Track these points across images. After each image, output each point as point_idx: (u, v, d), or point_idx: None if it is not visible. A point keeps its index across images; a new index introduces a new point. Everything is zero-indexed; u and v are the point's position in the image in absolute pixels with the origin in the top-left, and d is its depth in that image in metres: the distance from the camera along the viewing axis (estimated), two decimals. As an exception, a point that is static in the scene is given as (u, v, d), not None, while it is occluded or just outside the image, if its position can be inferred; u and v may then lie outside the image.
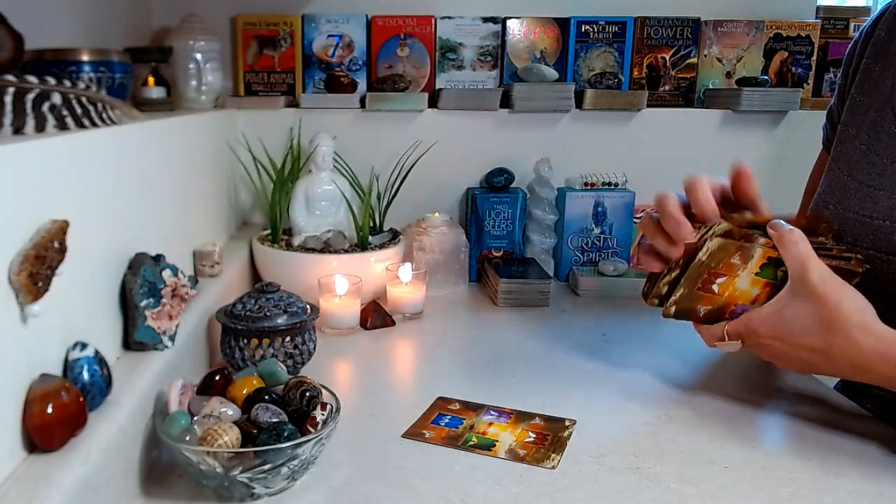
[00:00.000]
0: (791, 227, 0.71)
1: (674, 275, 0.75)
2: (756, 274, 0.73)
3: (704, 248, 0.72)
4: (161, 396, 0.67)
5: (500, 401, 0.84)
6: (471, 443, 0.74)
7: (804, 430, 0.78)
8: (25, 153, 0.53)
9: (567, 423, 0.79)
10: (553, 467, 0.70)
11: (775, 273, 0.72)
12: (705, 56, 1.44)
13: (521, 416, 0.80)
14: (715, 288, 0.74)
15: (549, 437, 0.76)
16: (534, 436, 0.76)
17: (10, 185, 0.50)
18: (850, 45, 0.88)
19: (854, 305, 0.67)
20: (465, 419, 0.79)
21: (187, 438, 0.62)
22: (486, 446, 0.74)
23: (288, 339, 0.88)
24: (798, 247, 0.69)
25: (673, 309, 0.77)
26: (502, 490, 0.66)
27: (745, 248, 0.72)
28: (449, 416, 0.80)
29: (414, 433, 0.76)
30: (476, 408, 0.82)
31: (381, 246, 1.20)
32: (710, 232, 0.71)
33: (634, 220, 1.37)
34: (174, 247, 0.89)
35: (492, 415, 0.80)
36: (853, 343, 0.67)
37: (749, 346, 0.74)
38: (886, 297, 0.75)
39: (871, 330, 0.67)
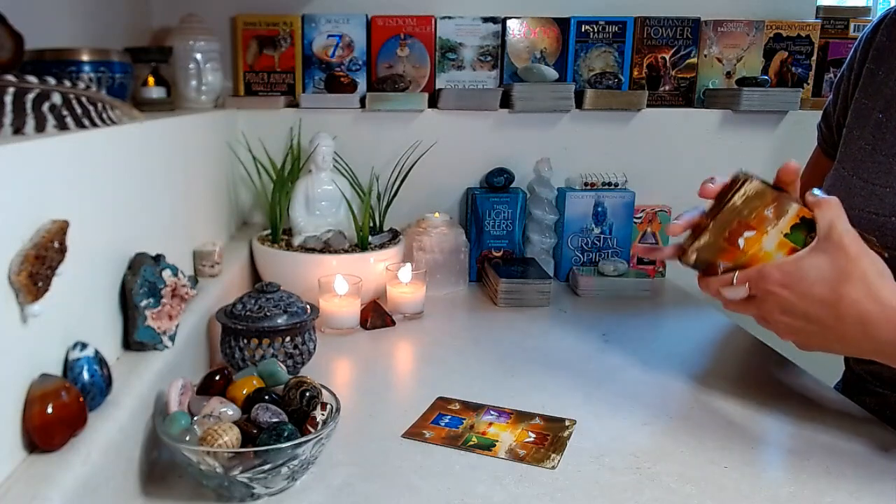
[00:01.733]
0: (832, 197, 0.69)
1: (704, 226, 0.72)
2: (785, 235, 0.69)
3: (742, 191, 0.69)
4: (161, 396, 0.67)
5: (500, 401, 0.84)
6: (471, 443, 0.74)
7: (804, 430, 0.78)
8: (25, 153, 0.53)
9: (567, 423, 0.79)
10: (553, 467, 0.70)
11: (805, 238, 0.69)
12: (705, 56, 1.44)
13: (520, 417, 0.80)
14: (741, 242, 0.70)
15: (550, 437, 0.76)
16: (534, 436, 0.76)
17: (10, 185, 0.50)
18: (850, 51, 0.89)
19: (873, 263, 0.65)
20: (465, 419, 0.79)
21: (187, 438, 0.62)
22: (487, 446, 0.74)
23: (288, 339, 0.88)
24: (832, 209, 0.67)
25: (693, 256, 0.74)
26: (502, 490, 0.66)
27: (781, 200, 0.69)
28: (449, 416, 0.80)
29: (414, 433, 0.76)
30: (476, 408, 0.82)
31: (381, 246, 1.20)
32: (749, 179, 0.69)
33: (634, 219, 1.37)
34: (174, 247, 0.89)
35: (492, 415, 0.80)
36: (868, 293, 0.64)
37: (755, 292, 0.70)
38: None
39: (887, 285, 0.64)
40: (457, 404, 0.83)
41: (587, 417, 0.80)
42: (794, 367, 0.95)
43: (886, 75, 0.82)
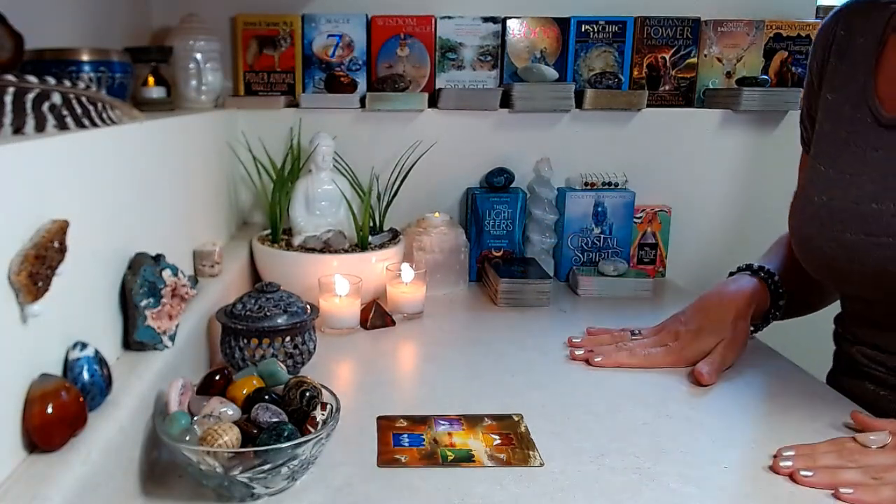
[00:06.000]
0: None
1: None
2: None
3: None
4: (161, 396, 0.67)
5: (504, 400, 0.84)
6: (449, 458, 0.71)
7: (805, 430, 0.78)
8: (25, 153, 0.53)
9: (515, 419, 0.79)
10: (541, 464, 0.70)
11: None
12: (705, 56, 1.44)
13: (471, 421, 0.79)
14: None
15: (513, 436, 0.75)
16: (497, 438, 0.75)
17: (10, 185, 0.50)
18: (811, 47, 0.91)
19: None
20: (422, 434, 0.76)
21: (187, 438, 0.62)
22: (466, 458, 0.71)
23: (288, 339, 0.88)
24: None
25: None
26: (502, 490, 0.66)
27: None
28: (405, 435, 0.76)
29: (389, 461, 0.71)
30: (423, 420, 0.79)
31: (381, 246, 1.20)
32: None
33: (634, 219, 1.37)
34: (174, 247, 0.89)
35: (443, 424, 0.78)
36: None
37: None
38: (886, 283, 0.77)
39: None
40: (403, 421, 0.79)
41: (587, 417, 0.80)
42: (795, 367, 0.95)
43: (851, 70, 0.84)
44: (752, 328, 0.98)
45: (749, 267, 0.98)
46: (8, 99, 0.56)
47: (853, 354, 0.89)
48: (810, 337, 1.05)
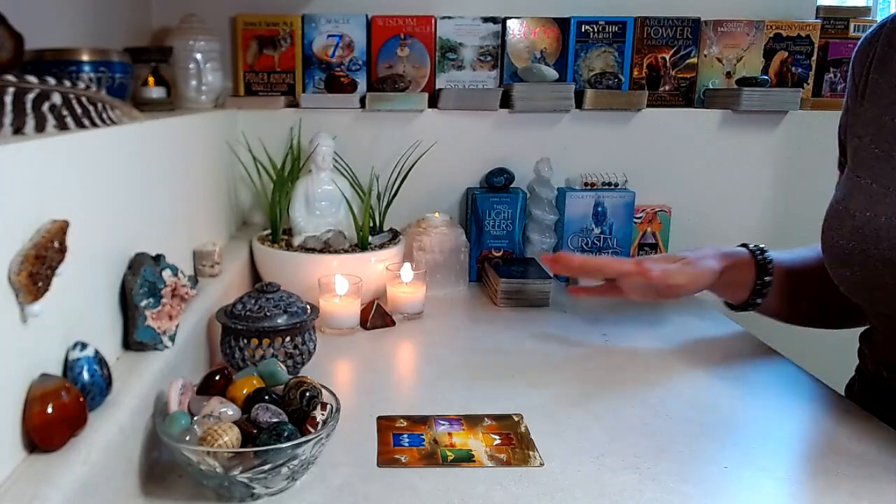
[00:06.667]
0: None
1: None
2: None
3: None
4: (161, 396, 0.67)
5: (504, 400, 0.84)
6: (449, 458, 0.71)
7: (804, 430, 0.78)
8: (25, 153, 0.53)
9: (516, 419, 0.79)
10: (541, 464, 0.70)
11: None
12: (705, 56, 1.44)
13: (471, 421, 0.79)
14: None
15: (513, 436, 0.75)
16: (498, 438, 0.75)
17: (10, 185, 0.50)
18: (850, 66, 0.88)
19: None
20: (422, 434, 0.76)
21: (187, 438, 0.62)
22: (466, 458, 0.71)
23: (288, 339, 0.88)
24: None
25: None
26: (502, 490, 0.66)
27: None
28: (405, 435, 0.76)
29: (388, 461, 0.71)
30: (423, 420, 0.79)
31: (381, 246, 1.20)
32: None
33: (634, 219, 1.37)
34: (174, 247, 0.89)
35: (443, 424, 0.78)
36: None
37: None
38: None
39: None
40: (402, 421, 0.79)
41: (587, 417, 0.80)
42: (794, 368, 0.95)
43: (889, 81, 0.80)
44: (731, 304, 1.01)
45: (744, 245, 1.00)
46: (8, 99, 0.56)
47: (878, 374, 0.87)
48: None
